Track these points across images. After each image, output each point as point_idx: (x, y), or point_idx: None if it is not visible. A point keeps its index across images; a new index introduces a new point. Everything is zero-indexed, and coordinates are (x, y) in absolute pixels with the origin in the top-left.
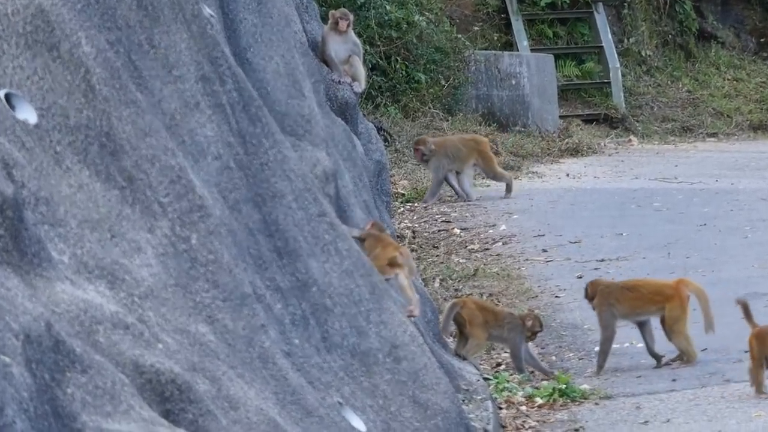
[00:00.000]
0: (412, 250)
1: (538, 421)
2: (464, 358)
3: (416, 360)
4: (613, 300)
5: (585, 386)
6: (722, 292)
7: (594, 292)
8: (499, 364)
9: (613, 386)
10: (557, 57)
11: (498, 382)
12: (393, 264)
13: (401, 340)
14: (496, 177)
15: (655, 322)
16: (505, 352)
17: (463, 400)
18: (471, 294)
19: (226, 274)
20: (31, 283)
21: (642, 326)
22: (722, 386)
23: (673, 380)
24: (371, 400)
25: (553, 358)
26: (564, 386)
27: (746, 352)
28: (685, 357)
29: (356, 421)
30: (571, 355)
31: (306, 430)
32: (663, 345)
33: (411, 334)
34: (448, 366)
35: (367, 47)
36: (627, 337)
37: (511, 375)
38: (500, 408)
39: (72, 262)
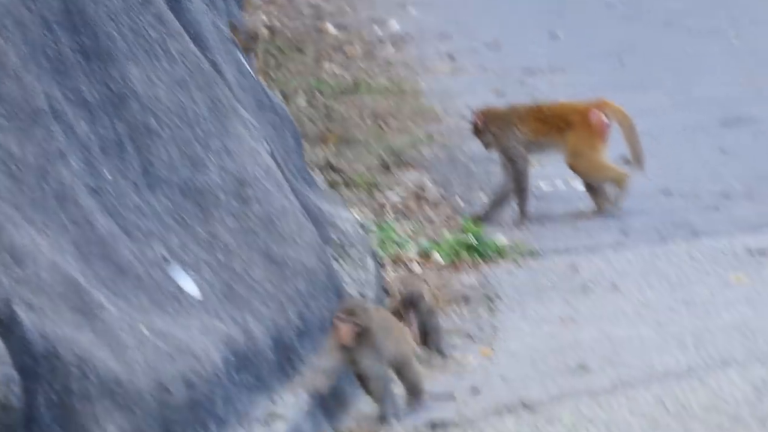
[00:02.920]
0: (271, 55)
1: (436, 287)
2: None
3: (271, 201)
4: (516, 120)
5: (502, 239)
6: (694, 116)
7: (486, 121)
8: (385, 209)
9: (540, 240)
10: None
11: (384, 233)
12: None
13: (251, 174)
14: None
15: None
16: (395, 192)
17: (335, 257)
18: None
19: (11, 81)
20: None
21: None
22: (690, 242)
23: (623, 233)
24: (208, 254)
25: (460, 201)
26: (473, 239)
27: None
28: (613, 193)
29: (187, 283)
30: (483, 197)
31: (118, 294)
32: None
33: (265, 166)
34: (315, 210)
35: None
36: (561, 174)
37: (401, 223)
38: (385, 268)
39: None
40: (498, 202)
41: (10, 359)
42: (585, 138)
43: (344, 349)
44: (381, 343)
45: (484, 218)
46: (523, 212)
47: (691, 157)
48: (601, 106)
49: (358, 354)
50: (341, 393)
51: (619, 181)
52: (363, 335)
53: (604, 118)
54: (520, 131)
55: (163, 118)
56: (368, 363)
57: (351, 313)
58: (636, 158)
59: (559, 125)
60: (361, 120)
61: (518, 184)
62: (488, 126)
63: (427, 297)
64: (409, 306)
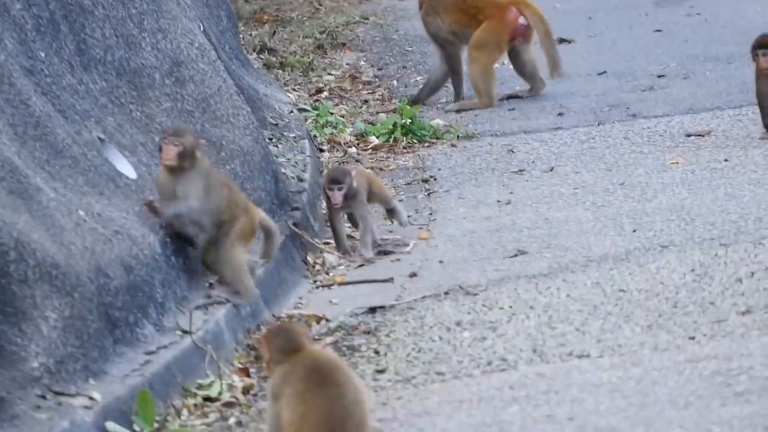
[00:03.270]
0: None
1: (372, 169)
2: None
3: (207, 82)
4: (440, 10)
5: (438, 121)
6: None
7: (421, 1)
8: (320, 90)
9: (476, 122)
10: None
11: (319, 115)
12: None
13: (187, 54)
14: None
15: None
16: (330, 74)
17: (271, 139)
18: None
19: None
20: None
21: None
22: (626, 123)
23: (560, 115)
24: (144, 136)
25: (395, 83)
26: (409, 121)
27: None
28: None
29: (123, 165)
30: (419, 79)
31: (55, 176)
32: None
33: (200, 46)
34: (251, 92)
35: None
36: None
37: (337, 105)
38: (321, 150)
39: None
40: (433, 84)
41: None
42: (494, 31)
43: (171, 181)
44: (208, 181)
45: (419, 100)
46: (457, 94)
47: (626, 37)
48: (521, 5)
49: (181, 181)
50: (282, 279)
51: (479, 101)
52: (188, 158)
53: (521, 18)
54: (442, 21)
55: None
56: (187, 189)
57: (177, 134)
58: (551, 65)
59: (478, 18)
60: None
61: (451, 67)
62: (421, 5)
63: (357, 182)
64: (333, 183)
